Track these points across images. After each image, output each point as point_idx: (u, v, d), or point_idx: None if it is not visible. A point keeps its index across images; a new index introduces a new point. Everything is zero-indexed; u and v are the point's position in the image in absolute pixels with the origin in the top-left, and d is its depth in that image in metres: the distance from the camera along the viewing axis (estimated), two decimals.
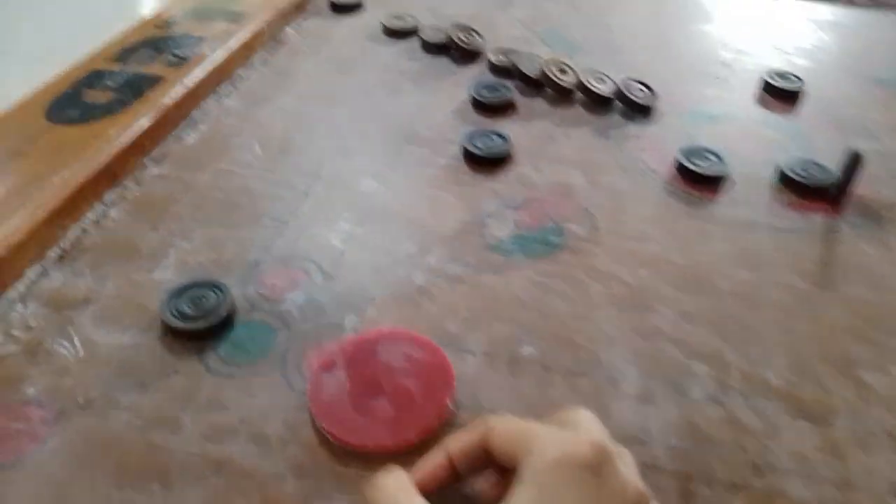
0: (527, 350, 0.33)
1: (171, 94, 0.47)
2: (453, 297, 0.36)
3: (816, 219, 0.42)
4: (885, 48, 0.62)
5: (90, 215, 0.40)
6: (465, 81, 0.54)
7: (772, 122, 0.51)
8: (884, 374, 0.32)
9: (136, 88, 0.48)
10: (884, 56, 0.60)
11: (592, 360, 0.32)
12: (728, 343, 0.34)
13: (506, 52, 0.56)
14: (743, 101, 0.53)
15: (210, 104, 0.50)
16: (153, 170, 0.44)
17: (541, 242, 0.39)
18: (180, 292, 0.35)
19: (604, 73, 0.54)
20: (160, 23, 0.56)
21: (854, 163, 0.42)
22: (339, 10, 0.64)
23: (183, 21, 0.57)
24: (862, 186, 0.44)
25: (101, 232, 0.39)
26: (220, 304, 0.34)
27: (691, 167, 0.44)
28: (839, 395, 0.31)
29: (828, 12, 0.68)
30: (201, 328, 0.33)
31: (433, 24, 0.61)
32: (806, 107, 0.53)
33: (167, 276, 0.37)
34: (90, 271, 0.37)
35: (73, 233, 0.39)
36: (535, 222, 0.41)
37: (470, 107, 0.51)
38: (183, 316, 0.34)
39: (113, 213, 0.41)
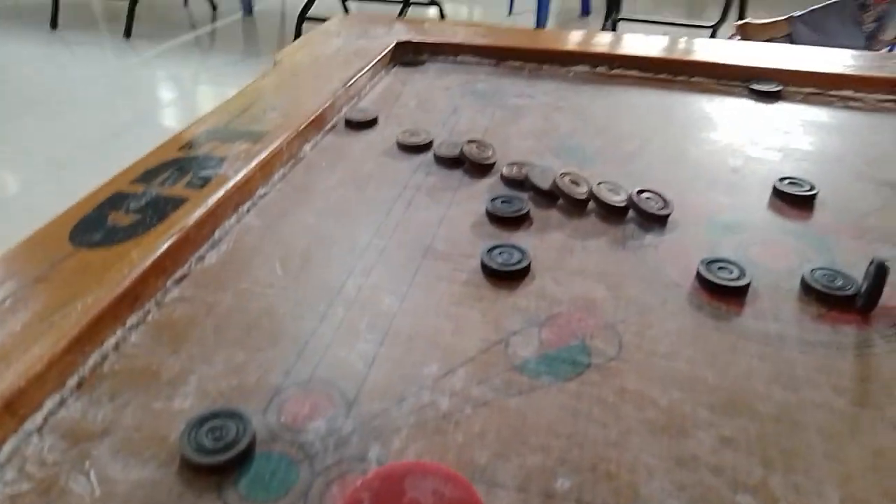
0: (562, 483, 0.31)
1: (194, 214, 0.48)
2: (481, 424, 0.35)
3: (848, 331, 0.41)
4: (891, 150, 0.63)
5: (111, 340, 0.40)
6: (479, 194, 0.55)
7: (789, 229, 0.51)
8: None
9: (160, 210, 0.48)
10: (892, 159, 0.61)
11: (632, 495, 0.31)
12: (773, 472, 0.32)
13: (518, 165, 0.58)
14: (757, 208, 0.54)
15: (231, 223, 0.51)
16: (174, 291, 0.44)
17: (568, 362, 0.39)
18: (200, 423, 0.34)
19: (616, 184, 0.54)
20: (183, 144, 0.58)
21: (881, 274, 0.42)
22: (354, 126, 0.66)
23: (205, 142, 0.58)
24: (890, 295, 0.43)
25: (121, 357, 0.39)
26: (241, 436, 0.33)
27: (714, 279, 0.44)
28: None
29: (827, 115, 0.70)
30: (221, 462, 0.32)
31: (447, 139, 0.63)
32: (821, 213, 0.53)
33: (187, 404, 0.36)
34: (109, 400, 0.36)
35: (93, 359, 0.39)
36: (561, 340, 0.40)
37: (486, 220, 0.52)
38: (202, 449, 0.32)
39: (134, 337, 0.40)
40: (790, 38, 1.58)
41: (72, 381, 0.37)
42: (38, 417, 0.35)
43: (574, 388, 0.37)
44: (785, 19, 1.54)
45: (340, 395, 0.36)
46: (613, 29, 2.62)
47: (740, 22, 1.62)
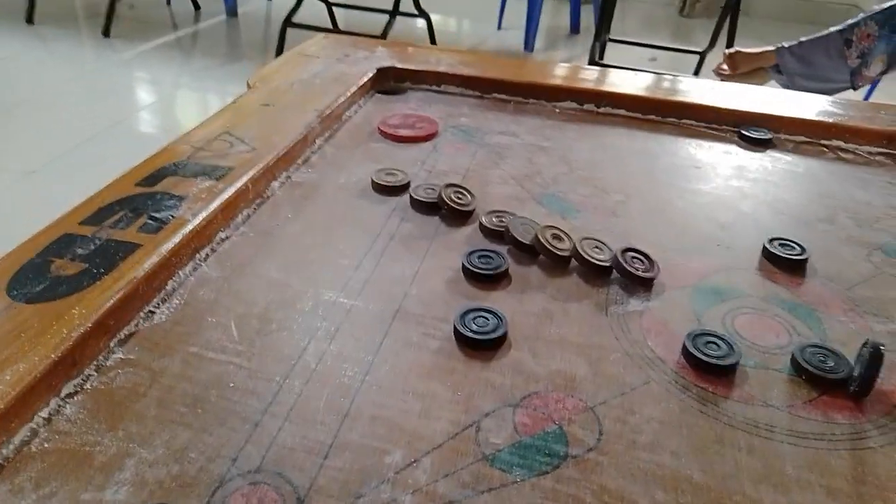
0: None
1: (145, 265, 0.44)
2: None
3: (840, 420, 0.39)
4: (882, 210, 0.61)
5: (43, 413, 0.36)
6: (457, 245, 0.52)
7: (780, 298, 0.49)
8: None
9: (108, 258, 0.45)
10: (882, 220, 0.59)
11: None
12: None
13: (499, 214, 0.55)
14: (747, 271, 0.51)
15: (186, 272, 0.47)
16: (118, 354, 0.40)
17: (543, 453, 0.36)
18: None
19: (600, 241, 0.52)
20: (140, 179, 0.54)
21: (876, 359, 0.39)
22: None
23: (165, 178, 0.54)
24: (884, 379, 0.41)
25: (52, 434, 0.35)
26: None
27: (701, 357, 0.41)
28: None
29: (818, 167, 0.68)
30: None
31: (425, 181, 0.59)
32: (812, 280, 0.51)
33: (120, 496, 0.32)
34: (33, 488, 0.32)
35: (20, 436, 0.35)
36: (536, 425, 0.37)
37: (462, 276, 0.49)
38: None
39: (68, 409, 0.36)
40: (777, 68, 1.58)
41: None
42: None
43: (549, 486, 0.34)
44: (773, 49, 1.53)
45: (292, 491, 0.33)
46: (602, 49, 2.61)
47: (730, 50, 1.61)
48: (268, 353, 0.41)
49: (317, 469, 0.34)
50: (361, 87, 0.77)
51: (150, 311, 0.44)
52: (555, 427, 0.37)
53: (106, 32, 2.84)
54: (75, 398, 0.37)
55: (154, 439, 0.35)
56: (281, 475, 0.34)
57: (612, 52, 2.72)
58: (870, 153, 0.71)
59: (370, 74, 0.79)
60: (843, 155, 0.71)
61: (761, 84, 1.67)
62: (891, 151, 0.72)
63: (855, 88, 1.46)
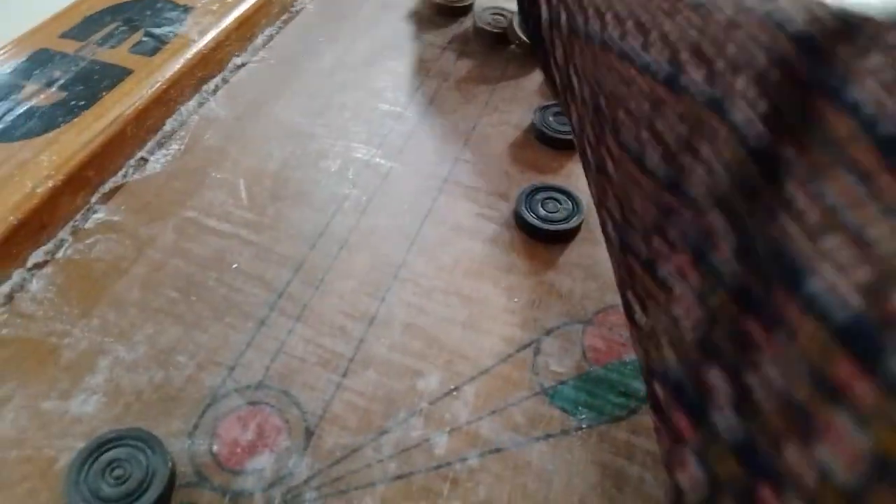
0: None
1: (137, 96, 0.35)
2: (487, 490, 0.25)
3: None
4: None
5: (3, 288, 0.29)
6: (528, 95, 0.41)
7: None
8: None
9: (93, 87, 0.36)
10: None
11: None
12: None
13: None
14: None
15: (189, 109, 0.38)
16: (99, 214, 0.33)
17: (618, 391, 0.28)
18: (99, 450, 0.24)
19: None
20: None
21: None
22: None
23: None
24: None
25: (12, 317, 0.29)
26: (150, 479, 0.24)
27: None
28: None
29: None
30: None
31: (494, 3, 0.47)
32: None
33: (88, 408, 0.26)
34: None
35: None
36: (612, 353, 0.29)
37: (532, 138, 0.39)
38: (98, 495, 0.23)
39: (34, 285, 0.30)
40: None
41: None
42: None
43: (622, 438, 0.26)
44: None
45: (299, 416, 0.26)
46: None
47: None
48: (282, 227, 0.33)
49: (332, 390, 0.27)
50: None
51: (142, 159, 0.35)
52: (635, 357, 0.29)
53: None
54: (43, 270, 0.30)
55: (135, 333, 0.28)
56: (287, 394, 0.27)
57: None
58: None
59: None
60: None
61: None
62: None
63: None
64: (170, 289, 0.30)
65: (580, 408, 0.27)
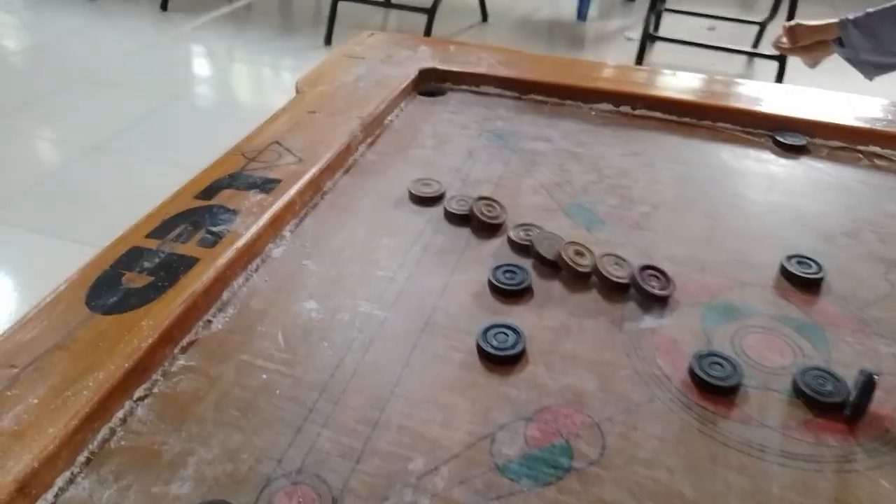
0: None
1: (203, 278, 0.50)
2: None
3: (831, 443, 0.42)
4: None
5: (119, 414, 0.42)
6: (485, 259, 0.56)
7: (791, 317, 0.51)
8: None
9: (172, 272, 0.50)
10: None
11: None
12: None
13: (526, 228, 0.58)
14: (762, 290, 0.54)
15: (239, 283, 0.53)
16: (181, 360, 0.46)
17: (550, 465, 0.40)
18: None
19: (621, 258, 0.55)
20: (198, 192, 0.59)
21: (868, 387, 0.42)
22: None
23: (220, 190, 0.60)
24: (881, 403, 0.43)
25: (127, 433, 0.41)
26: None
27: (704, 377, 0.45)
28: None
29: (850, 176, 0.69)
30: None
31: (458, 192, 0.63)
32: (826, 299, 0.53)
33: (184, 490, 0.38)
34: (114, 479, 0.39)
35: (101, 434, 0.41)
36: (545, 439, 0.41)
37: (488, 290, 0.53)
38: None
39: (140, 411, 0.43)
40: (840, 42, 1.52)
41: (81, 458, 0.40)
42: (49, 495, 0.38)
43: (552, 496, 0.38)
44: (836, 22, 1.48)
45: (327, 491, 0.38)
46: (658, 19, 2.55)
47: (789, 23, 1.56)
48: (310, 363, 0.46)
49: (349, 472, 0.39)
50: (403, 90, 0.80)
51: (208, 321, 0.49)
52: (562, 441, 0.41)
53: (164, 6, 2.93)
54: (145, 401, 0.43)
55: (211, 440, 0.41)
56: (318, 476, 0.39)
57: (669, 22, 2.66)
58: None
59: (412, 77, 0.82)
60: (878, 162, 0.72)
61: (823, 57, 1.62)
62: None
63: None
64: (233, 409, 0.43)
65: (523, 477, 0.39)
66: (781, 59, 2.28)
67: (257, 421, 0.42)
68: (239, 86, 2.57)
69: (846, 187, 0.67)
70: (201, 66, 2.68)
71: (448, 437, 0.41)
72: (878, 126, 0.73)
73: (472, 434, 0.42)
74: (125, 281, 0.50)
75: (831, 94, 0.80)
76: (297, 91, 0.80)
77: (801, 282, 0.54)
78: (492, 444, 0.41)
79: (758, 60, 2.57)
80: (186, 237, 0.54)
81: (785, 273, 0.55)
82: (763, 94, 0.80)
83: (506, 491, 0.38)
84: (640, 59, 2.42)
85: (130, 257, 0.52)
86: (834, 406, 0.44)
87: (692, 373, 0.45)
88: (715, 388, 0.44)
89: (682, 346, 0.48)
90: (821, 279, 0.54)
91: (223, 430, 0.41)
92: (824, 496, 0.39)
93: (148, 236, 0.54)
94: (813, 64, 1.37)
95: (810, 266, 0.55)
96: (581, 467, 0.40)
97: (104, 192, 1.71)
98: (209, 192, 0.60)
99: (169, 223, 0.56)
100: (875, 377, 0.42)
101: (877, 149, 0.73)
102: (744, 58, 2.59)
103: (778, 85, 0.84)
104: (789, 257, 0.56)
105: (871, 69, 1.14)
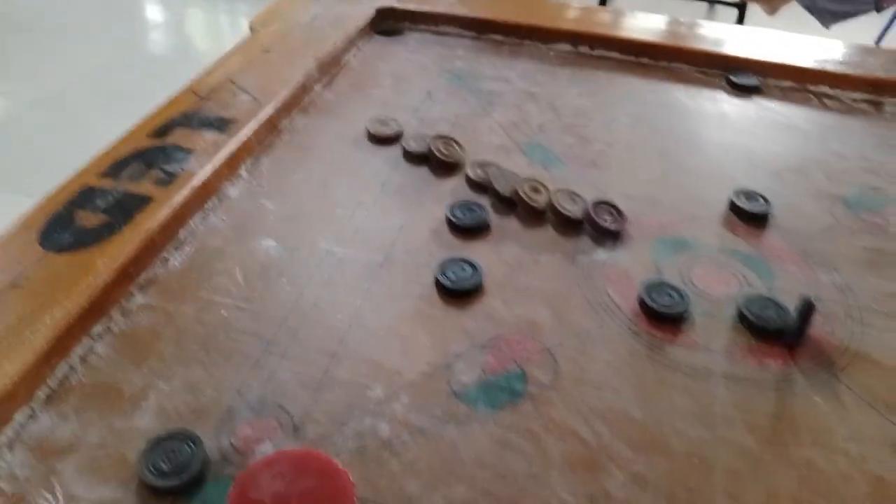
0: None
1: (159, 216, 0.49)
2: (415, 454, 0.38)
3: (772, 366, 0.44)
4: (853, 162, 0.64)
5: (78, 350, 0.42)
6: (443, 197, 0.57)
7: (739, 250, 0.53)
8: None
9: (126, 210, 0.50)
10: (851, 172, 0.62)
11: None
12: None
13: (483, 166, 0.59)
14: (710, 224, 0.55)
15: (196, 222, 0.52)
16: (139, 298, 0.46)
17: (504, 390, 0.41)
18: (156, 444, 0.37)
19: (576, 194, 0.56)
20: (151, 131, 0.58)
21: (806, 312, 0.44)
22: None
23: (174, 129, 0.59)
24: (818, 328, 0.46)
25: (87, 370, 0.41)
26: (193, 459, 0.36)
27: (652, 305, 0.46)
28: None
29: (800, 116, 0.70)
30: (174, 486, 0.35)
31: (416, 131, 0.63)
32: (772, 233, 0.55)
33: (146, 423, 0.38)
34: (75, 415, 0.39)
35: (60, 370, 0.41)
36: (500, 366, 0.43)
37: (446, 227, 0.54)
38: (158, 472, 0.36)
39: (99, 348, 0.43)
40: None
41: (41, 393, 0.40)
42: (9, 431, 0.38)
43: (506, 419, 0.40)
44: None
45: (289, 419, 0.39)
46: None
47: None
48: (269, 298, 0.46)
49: (310, 401, 0.40)
50: (361, 29, 0.79)
51: (165, 259, 0.49)
52: (516, 368, 0.43)
53: None
54: (105, 339, 0.43)
55: (172, 376, 0.41)
56: (280, 406, 0.40)
57: None
58: (853, 100, 0.73)
59: (370, 16, 0.81)
60: (827, 102, 0.73)
61: (781, 4, 1.64)
62: (874, 98, 0.73)
63: (879, 10, 1.42)
64: (193, 344, 0.43)
65: (479, 402, 0.41)
66: (741, 7, 2.29)
67: (217, 355, 0.42)
68: (194, 32, 2.49)
69: (796, 127, 0.69)
70: (154, 12, 2.58)
71: (406, 367, 0.43)
72: (828, 67, 0.75)
73: (430, 364, 0.43)
74: (79, 220, 0.49)
75: (785, 36, 0.82)
76: (251, 30, 0.78)
77: (749, 216, 0.56)
78: (449, 373, 0.42)
79: (719, 7, 2.58)
80: (140, 176, 0.53)
81: (734, 208, 0.57)
82: (718, 35, 0.81)
83: (463, 416, 0.40)
84: (603, 1, 2.40)
85: (83, 197, 0.51)
86: (775, 332, 0.46)
87: (641, 302, 0.47)
88: (662, 315, 0.46)
89: (633, 278, 0.50)
90: (767, 214, 0.56)
91: (184, 365, 0.42)
92: (763, 412, 0.41)
93: (101, 175, 0.53)
94: (771, 10, 1.38)
95: (758, 201, 0.57)
96: (534, 391, 0.41)
97: (56, 146, 1.66)
98: (162, 131, 0.59)
99: (122, 163, 0.55)
100: (814, 303, 0.44)
101: (826, 89, 0.75)
102: (705, 5, 2.59)
103: (733, 26, 0.85)
104: (738, 193, 0.57)
105: (828, 17, 1.15)
